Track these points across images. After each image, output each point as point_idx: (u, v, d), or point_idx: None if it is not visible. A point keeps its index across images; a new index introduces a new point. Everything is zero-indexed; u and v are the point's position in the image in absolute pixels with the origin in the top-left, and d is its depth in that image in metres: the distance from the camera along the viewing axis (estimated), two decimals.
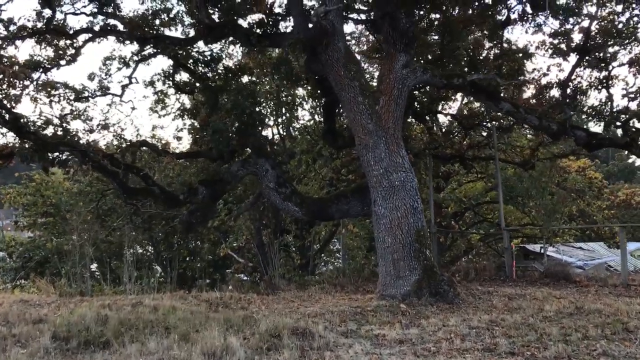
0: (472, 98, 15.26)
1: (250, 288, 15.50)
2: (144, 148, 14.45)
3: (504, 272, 14.72)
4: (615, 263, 27.31)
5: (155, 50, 15.74)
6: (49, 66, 13.51)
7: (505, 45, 11.93)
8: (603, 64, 12.38)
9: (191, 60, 15.52)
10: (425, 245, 10.26)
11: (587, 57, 11.44)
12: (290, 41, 10.22)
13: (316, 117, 20.99)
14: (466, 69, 11.79)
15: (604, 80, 12.61)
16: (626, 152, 11.35)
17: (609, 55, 12.27)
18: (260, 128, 11.58)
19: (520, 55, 11.87)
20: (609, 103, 12.38)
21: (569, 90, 11.94)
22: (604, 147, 11.64)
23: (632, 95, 12.69)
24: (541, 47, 12.08)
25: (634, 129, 11.31)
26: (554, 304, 9.48)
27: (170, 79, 16.15)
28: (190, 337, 7.03)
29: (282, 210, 12.38)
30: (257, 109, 11.27)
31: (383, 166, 10.37)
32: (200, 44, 15.39)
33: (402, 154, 10.51)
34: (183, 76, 16.72)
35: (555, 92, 12.38)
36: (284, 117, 19.05)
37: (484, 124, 16.23)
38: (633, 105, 11.90)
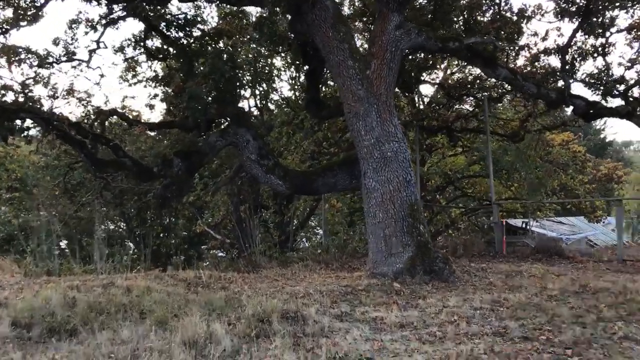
0: (463, 64, 14.46)
1: (229, 265, 14.80)
2: (114, 118, 13.50)
3: (493, 247, 14.24)
4: (594, 237, 27.29)
5: (125, 13, 14.73)
6: (8, 27, 12.41)
7: (503, 5, 11.21)
8: (601, 30, 11.75)
9: (164, 24, 14.53)
10: (419, 220, 9.63)
11: (588, 21, 10.79)
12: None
13: (296, 87, 20.15)
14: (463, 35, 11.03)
15: (602, 48, 12.00)
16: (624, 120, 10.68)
17: (607, 20, 11.64)
18: (240, 93, 10.69)
19: (518, 18, 11.15)
20: (607, 71, 11.79)
21: (567, 57, 11.33)
22: (602, 117, 11.14)
23: (629, 64, 12.15)
24: (537, 11, 11.39)
25: (632, 98, 10.76)
26: (556, 282, 8.97)
27: (142, 44, 15.15)
28: (168, 323, 6.30)
29: (264, 184, 11.61)
30: (237, 74, 10.38)
31: (374, 136, 9.65)
32: (175, 4, 14.42)
33: (394, 122, 9.80)
34: (156, 42, 15.82)
35: (552, 59, 11.74)
36: (261, 89, 18.12)
37: (474, 94, 15.59)
38: (630, 74, 11.36)
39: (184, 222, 28.50)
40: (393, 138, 9.67)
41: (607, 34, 11.65)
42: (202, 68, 10.22)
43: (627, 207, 36.37)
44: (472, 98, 16.06)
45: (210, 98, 10.30)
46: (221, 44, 12.60)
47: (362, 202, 22.85)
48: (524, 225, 21.74)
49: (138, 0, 11.24)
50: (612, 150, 64.22)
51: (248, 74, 11.26)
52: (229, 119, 11.57)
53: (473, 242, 14.36)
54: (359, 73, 9.73)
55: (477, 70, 15.89)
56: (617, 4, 10.75)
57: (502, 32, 11.06)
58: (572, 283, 8.78)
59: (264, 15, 10.15)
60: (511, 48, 11.55)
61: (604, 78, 11.33)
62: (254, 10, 15.22)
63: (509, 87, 14.54)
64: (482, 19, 11.30)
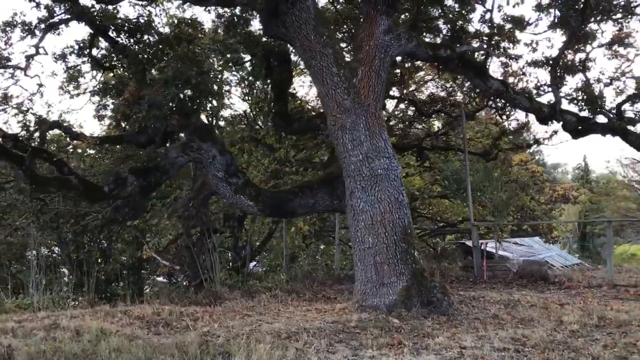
0: (435, 78, 13.67)
1: (183, 296, 13.33)
2: (56, 131, 11.92)
3: (472, 273, 13.40)
4: (551, 259, 27.11)
5: (69, 16, 13.27)
6: None
7: (497, 12, 10.48)
8: (582, 44, 11.24)
9: (113, 29, 13.13)
10: (413, 245, 8.61)
11: (580, 33, 10.23)
12: None
13: (250, 101, 18.86)
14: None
15: (584, 62, 11.48)
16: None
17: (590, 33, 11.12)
18: (212, 101, 9.45)
19: (513, 26, 10.44)
20: (588, 87, 11.26)
21: (557, 70, 10.72)
22: (593, 133, 10.55)
23: (607, 80, 11.70)
24: (533, 20, 10.67)
25: (626, 116, 10.25)
26: (567, 313, 8.10)
27: (87, 51, 13.67)
28: None
29: (233, 206, 10.35)
30: (205, 80, 9.13)
31: (363, 151, 8.60)
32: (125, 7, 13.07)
33: (384, 137, 8.79)
34: (102, 50, 14.35)
35: (540, 72, 11.11)
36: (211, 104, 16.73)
37: (446, 110, 14.87)
38: (608, 91, 10.87)
39: (122, 246, 26.63)
40: (383, 154, 8.65)
41: (589, 47, 11.15)
42: (160, 74, 8.90)
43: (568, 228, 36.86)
44: (443, 114, 15.35)
45: (173, 106, 8.98)
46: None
47: (321, 224, 21.81)
48: (481, 247, 21.16)
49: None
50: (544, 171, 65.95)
51: (216, 81, 10.00)
52: (190, 132, 10.25)
53: (450, 268, 13.48)
54: (344, 81, 8.70)
55: (448, 86, 15.25)
56: (605, 16, 10.21)
57: (493, 42, 10.36)
58: (586, 315, 7.93)
59: (237, 14, 8.97)
60: (505, 58, 10.89)
61: (585, 95, 10.78)
62: (207, 18, 14.05)
63: (487, 101, 13.93)
64: (471, 26, 10.56)
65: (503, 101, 10.37)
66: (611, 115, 11.16)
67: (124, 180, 9.59)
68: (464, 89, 15.45)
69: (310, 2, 8.90)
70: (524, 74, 11.64)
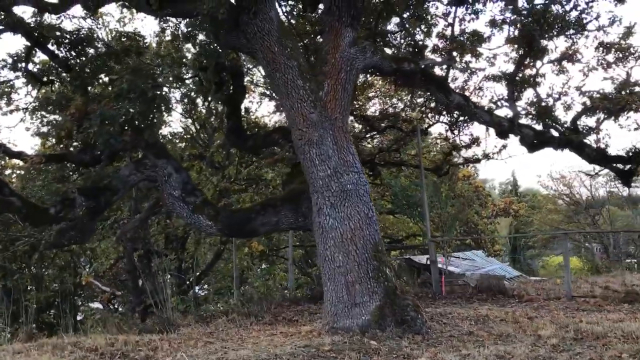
0: (382, 94, 13.58)
1: (131, 324, 12.54)
2: None
3: (430, 288, 13.29)
4: (493, 272, 27.59)
5: (2, 27, 12.42)
6: None
7: (458, 26, 10.47)
8: (532, 60, 11.45)
9: (53, 41, 12.35)
10: (385, 262, 8.35)
11: (536, 47, 10.40)
12: (211, 4, 7.74)
13: (194, 118, 18.26)
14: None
15: (532, 78, 11.70)
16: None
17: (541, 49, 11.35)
18: (165, 115, 8.92)
19: (473, 40, 10.49)
20: (539, 102, 11.46)
21: (515, 85, 10.84)
22: (548, 147, 10.71)
23: (556, 96, 11.98)
24: (492, 34, 10.75)
25: (585, 128, 10.46)
26: (544, 327, 8.01)
27: (22, 64, 12.80)
28: None
29: (191, 225, 9.76)
30: (161, 93, 8.61)
31: (331, 166, 8.31)
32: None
33: (352, 151, 8.54)
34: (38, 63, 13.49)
35: (497, 87, 11.19)
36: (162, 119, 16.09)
37: (398, 126, 14.84)
38: (557, 106, 11.12)
39: (55, 272, 25.17)
40: (352, 168, 8.39)
41: (539, 63, 11.38)
42: (112, 87, 8.32)
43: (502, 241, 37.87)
44: (395, 130, 15.30)
45: (127, 121, 8.40)
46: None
47: (269, 243, 21.25)
48: (426, 262, 21.23)
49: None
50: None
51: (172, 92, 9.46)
52: (142, 148, 9.66)
53: (408, 284, 13.33)
54: (310, 94, 8.41)
55: (398, 102, 15.26)
56: (556, 32, 10.43)
57: (456, 55, 10.36)
58: (561, 328, 7.89)
59: (197, 22, 8.51)
60: (466, 72, 10.92)
61: (537, 109, 10.96)
62: (149, 31, 13.45)
63: (439, 117, 13.99)
64: (429, 40, 10.52)
65: (463, 115, 10.38)
66: (561, 129, 11.38)
67: (72, 201, 8.90)
68: (415, 105, 15.52)
69: (273, 13, 8.60)
70: (480, 88, 11.78)
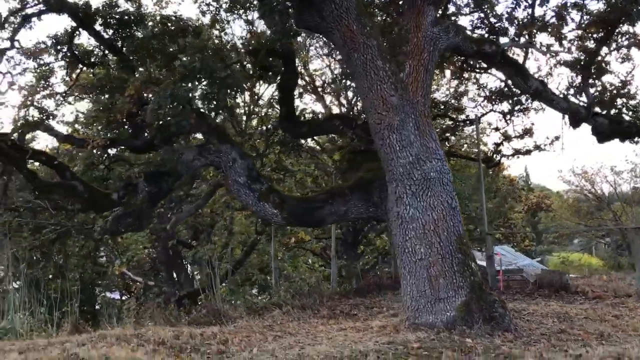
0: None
1: (178, 315, 12.15)
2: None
3: (486, 283, 12.78)
4: (530, 268, 27.02)
5: (45, 7, 12.05)
6: None
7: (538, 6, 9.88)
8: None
9: (101, 21, 11.92)
10: (469, 255, 7.87)
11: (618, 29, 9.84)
12: None
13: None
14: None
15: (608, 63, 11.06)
16: None
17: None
18: (235, 96, 8.45)
19: (558, 21, 9.88)
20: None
21: (592, 70, 10.30)
22: (625, 137, 10.16)
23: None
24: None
25: None
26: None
27: (65, 46, 12.40)
28: None
29: (256, 214, 9.31)
30: (233, 74, 8.14)
31: (413, 152, 7.82)
32: None
33: (434, 137, 8.06)
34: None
35: (566, 72, 10.63)
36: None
37: (449, 114, 14.34)
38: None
39: (75, 261, 24.86)
40: (435, 155, 7.90)
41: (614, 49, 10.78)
42: (189, 62, 7.82)
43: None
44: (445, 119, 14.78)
45: (197, 103, 7.96)
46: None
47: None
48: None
49: None
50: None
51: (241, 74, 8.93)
52: (205, 132, 9.21)
53: None
54: (391, 76, 7.91)
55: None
56: None
57: (534, 37, 9.79)
58: None
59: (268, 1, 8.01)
60: (547, 55, 10.36)
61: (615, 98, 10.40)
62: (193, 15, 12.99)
63: (493, 105, 13.48)
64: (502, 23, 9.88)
65: (540, 101, 9.86)
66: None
67: (134, 186, 8.47)
68: (463, 93, 15.03)
69: None
70: (550, 74, 11.22)
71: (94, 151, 9.73)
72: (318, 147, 16.27)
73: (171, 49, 10.23)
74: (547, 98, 9.70)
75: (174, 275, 18.62)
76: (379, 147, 8.08)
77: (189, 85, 7.91)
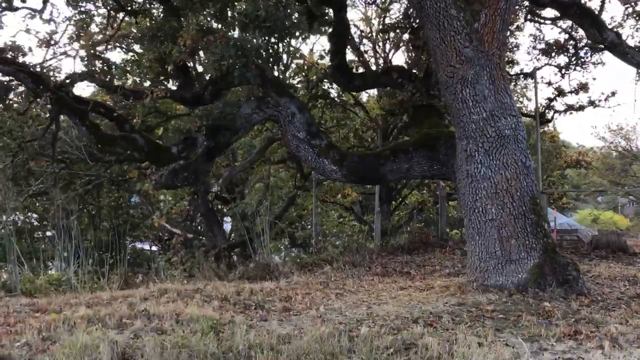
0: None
1: (227, 271, 12.14)
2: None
3: None
4: (566, 226, 26.63)
5: None
6: None
7: None
8: None
9: None
10: (543, 217, 7.60)
11: None
12: None
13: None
14: None
15: None
16: None
17: None
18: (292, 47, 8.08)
19: None
20: None
21: None
22: None
23: None
24: None
25: None
26: None
27: None
28: None
29: (315, 170, 9.09)
30: (296, 20, 7.76)
31: (487, 108, 7.46)
32: None
33: (509, 92, 7.67)
34: None
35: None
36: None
37: None
38: None
39: (107, 211, 25.09)
40: (509, 112, 7.53)
41: None
42: (246, 9, 7.44)
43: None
44: None
45: (262, 53, 7.63)
46: None
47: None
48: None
49: None
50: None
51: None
52: (261, 85, 8.89)
53: None
54: (465, 26, 7.48)
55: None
56: None
57: None
58: None
59: None
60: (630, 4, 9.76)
61: None
62: None
63: (550, 58, 12.90)
64: None
65: (615, 54, 9.32)
66: None
67: (194, 140, 8.26)
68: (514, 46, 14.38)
69: None
70: (621, 25, 10.58)
71: (153, 102, 9.49)
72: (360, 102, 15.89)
73: None
74: (621, 51, 9.18)
75: (211, 228, 18.60)
76: (450, 102, 7.72)
77: (252, 34, 7.55)
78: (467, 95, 7.50)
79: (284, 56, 10.77)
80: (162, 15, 11.72)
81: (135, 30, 13.49)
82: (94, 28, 13.32)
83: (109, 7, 12.51)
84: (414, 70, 10.09)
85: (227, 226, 23.34)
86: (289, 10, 7.69)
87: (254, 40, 7.41)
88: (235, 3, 9.37)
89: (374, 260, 11.65)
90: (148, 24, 11.33)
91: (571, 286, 7.26)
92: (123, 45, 13.59)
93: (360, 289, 8.68)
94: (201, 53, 9.63)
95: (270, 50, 8.05)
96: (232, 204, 19.26)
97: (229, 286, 8.53)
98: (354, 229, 23.68)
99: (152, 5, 12.25)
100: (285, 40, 7.96)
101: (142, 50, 10.76)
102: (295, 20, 7.51)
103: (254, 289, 8.39)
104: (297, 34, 7.81)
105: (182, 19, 10.84)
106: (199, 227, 24.85)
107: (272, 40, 7.95)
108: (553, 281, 7.22)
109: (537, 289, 7.21)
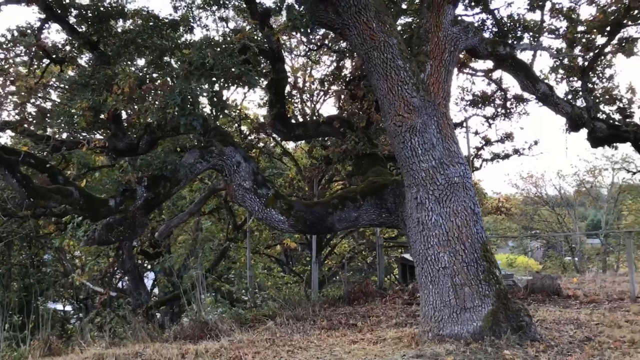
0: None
1: (160, 330, 11.44)
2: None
3: None
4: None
5: None
6: None
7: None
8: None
9: (76, 13, 11.09)
10: (494, 263, 7.61)
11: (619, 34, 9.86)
12: None
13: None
14: None
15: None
16: None
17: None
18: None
19: (570, 23, 9.74)
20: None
21: (591, 75, 10.31)
22: (622, 142, 10.22)
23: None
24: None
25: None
26: None
27: (34, 38, 11.48)
28: None
29: (262, 220, 8.76)
30: (247, 69, 7.57)
31: (436, 156, 7.52)
32: None
33: (455, 140, 7.78)
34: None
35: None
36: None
37: None
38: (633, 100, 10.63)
39: (16, 270, 23.49)
40: (457, 159, 7.62)
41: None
42: (198, 58, 7.19)
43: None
44: None
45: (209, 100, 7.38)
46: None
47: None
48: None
49: None
50: None
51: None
52: (203, 134, 8.62)
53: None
54: (412, 76, 7.58)
55: None
56: None
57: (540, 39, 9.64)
58: None
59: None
60: (558, 58, 10.23)
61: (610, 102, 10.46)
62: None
63: (476, 109, 13.41)
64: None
65: (546, 105, 9.74)
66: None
67: (133, 192, 7.79)
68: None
69: None
70: (547, 78, 11.11)
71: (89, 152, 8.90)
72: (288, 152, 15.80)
73: (161, 45, 9.56)
74: (553, 102, 9.64)
75: (137, 285, 17.65)
76: (399, 150, 7.73)
77: (197, 82, 7.30)
78: (416, 144, 7.54)
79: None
80: (91, 63, 11.30)
81: (54, 80, 12.94)
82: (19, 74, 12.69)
83: (31, 55, 11.95)
84: (355, 120, 10.12)
85: (148, 282, 22.31)
86: (235, 60, 7.51)
87: (200, 88, 7.15)
88: (176, 51, 9.14)
89: (317, 312, 11.34)
90: (77, 72, 10.84)
91: (525, 332, 7.26)
92: (56, 93, 12.99)
93: (311, 344, 8.34)
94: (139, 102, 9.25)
95: (215, 99, 7.78)
96: (158, 259, 18.45)
97: (170, 348, 7.96)
98: (284, 280, 23.26)
99: (81, 54, 11.80)
100: (231, 89, 7.70)
101: (69, 100, 10.18)
102: (243, 69, 7.32)
103: (198, 349, 7.88)
104: (250, 84, 7.59)
105: (116, 66, 10.47)
106: (121, 285, 23.60)
107: (216, 88, 7.71)
108: (507, 328, 7.20)
109: (493, 336, 7.14)
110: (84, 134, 10.39)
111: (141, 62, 10.21)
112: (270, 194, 8.39)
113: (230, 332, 9.84)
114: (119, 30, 11.12)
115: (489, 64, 11.23)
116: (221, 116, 8.39)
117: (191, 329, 10.51)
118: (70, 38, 11.44)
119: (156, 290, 22.87)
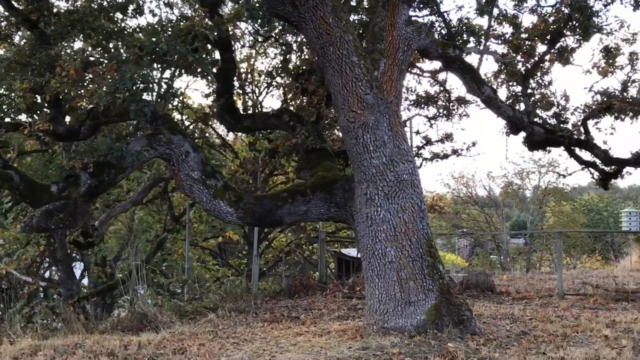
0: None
1: (96, 322, 11.09)
2: None
3: None
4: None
5: None
6: None
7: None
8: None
9: None
10: (438, 258, 7.85)
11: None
12: None
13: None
14: None
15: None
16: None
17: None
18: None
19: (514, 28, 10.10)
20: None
21: (531, 81, 10.76)
22: (558, 146, 10.74)
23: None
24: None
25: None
26: (596, 327, 7.95)
27: None
28: None
29: (210, 212, 8.64)
30: (199, 56, 7.44)
31: (387, 153, 7.66)
32: None
33: (406, 138, 7.97)
34: None
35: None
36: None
37: None
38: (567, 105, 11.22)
39: None
40: (407, 157, 7.80)
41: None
42: (150, 43, 7.01)
43: None
44: None
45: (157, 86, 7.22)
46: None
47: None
48: (358, 255, 20.72)
49: None
50: None
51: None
52: (151, 121, 8.42)
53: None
54: (366, 73, 7.69)
55: None
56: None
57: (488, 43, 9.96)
58: (608, 327, 7.88)
59: None
60: (501, 63, 10.56)
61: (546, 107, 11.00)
62: None
63: (419, 109, 13.75)
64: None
65: (489, 108, 10.10)
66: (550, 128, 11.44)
67: (77, 178, 7.52)
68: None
69: None
70: (490, 81, 11.50)
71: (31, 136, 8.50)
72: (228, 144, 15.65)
73: (108, 28, 9.25)
74: (495, 105, 10.02)
75: (69, 275, 17.03)
76: (351, 146, 7.82)
77: (148, 67, 7.13)
78: (368, 140, 7.66)
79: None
80: (30, 42, 10.80)
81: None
82: None
83: None
84: (304, 114, 10.15)
85: (77, 272, 21.58)
86: (188, 47, 7.37)
87: (152, 74, 6.99)
88: (123, 34, 8.88)
89: (260, 305, 11.32)
90: (15, 51, 10.33)
91: (466, 326, 7.53)
92: None
93: (255, 337, 8.32)
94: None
95: (165, 86, 7.62)
96: (92, 249, 17.86)
97: (111, 339, 7.74)
98: (220, 273, 23.05)
99: (18, 32, 11.26)
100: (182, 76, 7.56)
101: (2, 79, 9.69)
102: (197, 57, 7.20)
103: (141, 341, 7.70)
104: (202, 71, 7.48)
105: (59, 47, 10.05)
106: (49, 274, 22.70)
107: (166, 75, 7.55)
108: (450, 322, 7.44)
109: (436, 329, 7.37)
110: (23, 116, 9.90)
111: (83, 44, 9.81)
112: (220, 185, 8.30)
113: (171, 324, 9.66)
114: (63, 10, 10.70)
115: (436, 64, 11.61)
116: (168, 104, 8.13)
117: (129, 320, 10.26)
118: (7, 14, 10.89)
119: (85, 281, 22.18)
